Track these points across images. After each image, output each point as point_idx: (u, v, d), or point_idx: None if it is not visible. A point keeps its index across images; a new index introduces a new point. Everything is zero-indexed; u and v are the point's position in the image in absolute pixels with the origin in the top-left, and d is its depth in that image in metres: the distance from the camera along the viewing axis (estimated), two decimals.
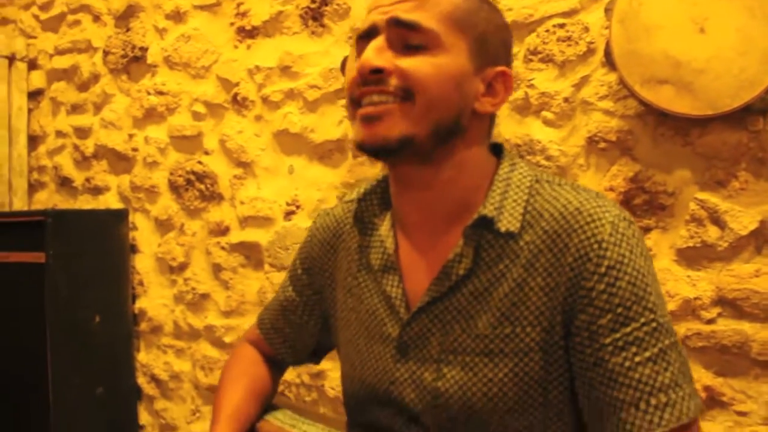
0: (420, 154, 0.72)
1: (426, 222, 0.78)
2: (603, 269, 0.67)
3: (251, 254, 1.99)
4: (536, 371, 0.70)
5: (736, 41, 1.19)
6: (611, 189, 1.42)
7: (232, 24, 2.01)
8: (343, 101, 1.78)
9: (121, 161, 2.28)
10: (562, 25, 1.48)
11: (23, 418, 2.01)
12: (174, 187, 2.15)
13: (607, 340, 0.66)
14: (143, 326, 2.24)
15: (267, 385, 0.95)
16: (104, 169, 2.33)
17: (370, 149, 0.73)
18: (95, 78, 2.34)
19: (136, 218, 2.25)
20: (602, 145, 1.43)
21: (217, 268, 2.05)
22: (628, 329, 0.66)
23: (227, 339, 2.04)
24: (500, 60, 0.76)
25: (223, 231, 2.04)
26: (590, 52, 1.45)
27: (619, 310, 0.66)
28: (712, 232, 1.32)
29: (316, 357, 1.01)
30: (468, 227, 0.73)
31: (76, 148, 2.40)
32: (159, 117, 2.17)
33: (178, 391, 2.17)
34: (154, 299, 2.21)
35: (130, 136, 2.25)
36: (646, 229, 1.39)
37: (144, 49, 2.20)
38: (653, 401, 0.64)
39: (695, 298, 1.34)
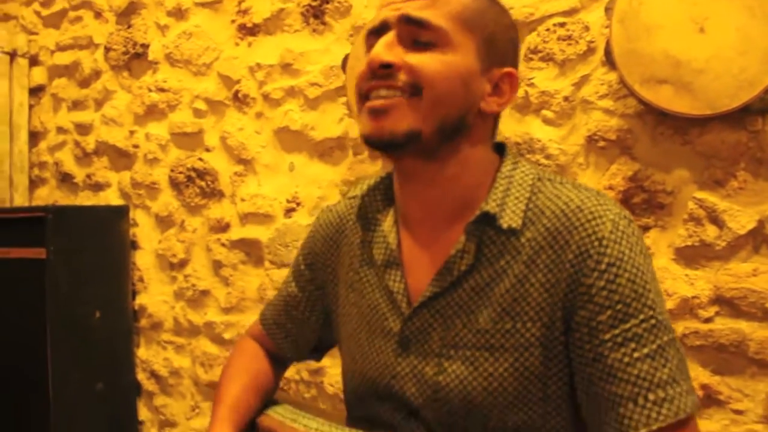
0: (425, 149, 0.73)
1: (429, 218, 0.79)
2: (603, 266, 0.68)
3: (251, 251, 1.99)
4: (536, 366, 0.71)
5: (736, 41, 1.20)
6: (610, 188, 1.42)
7: (233, 21, 2.01)
8: (344, 99, 1.78)
9: (121, 158, 2.29)
10: (562, 24, 1.48)
11: (23, 413, 2.01)
12: (174, 184, 2.15)
13: (606, 336, 0.67)
14: (143, 322, 2.24)
15: (268, 380, 0.95)
16: (105, 165, 2.34)
17: (377, 143, 0.73)
18: (96, 74, 2.34)
19: (137, 215, 2.25)
20: (602, 143, 1.44)
21: (217, 265, 2.06)
22: (628, 326, 0.67)
23: (227, 335, 2.04)
24: (507, 61, 0.77)
25: (224, 228, 2.04)
26: (590, 51, 1.45)
27: (619, 306, 0.67)
28: (710, 232, 1.33)
29: (317, 353, 1.01)
30: (470, 223, 0.74)
31: (77, 144, 2.40)
32: (160, 114, 2.18)
33: (177, 387, 2.18)
34: (155, 295, 2.22)
35: (131, 132, 2.25)
36: (645, 228, 1.39)
37: (145, 46, 2.20)
38: (651, 397, 0.65)
39: (693, 297, 1.35)
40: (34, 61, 2.52)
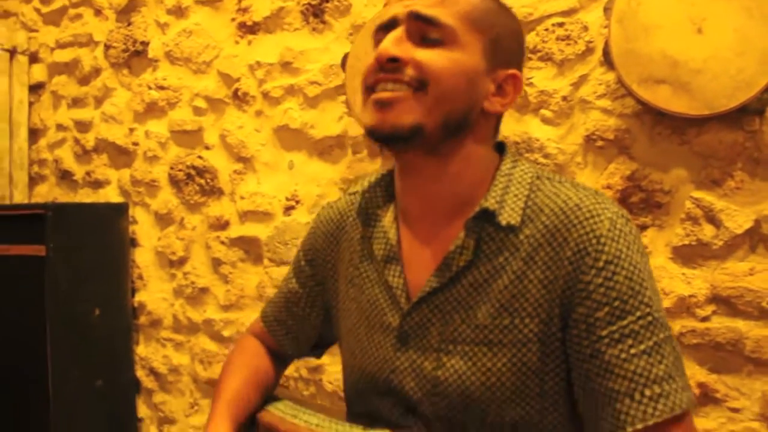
0: (428, 144, 0.74)
1: (429, 214, 0.80)
2: (601, 263, 0.69)
3: (251, 249, 2.00)
4: (533, 362, 0.72)
5: (734, 42, 1.21)
6: (608, 187, 1.43)
7: (233, 19, 2.02)
8: (343, 98, 1.79)
9: (121, 155, 2.29)
10: (561, 24, 1.49)
11: (23, 410, 2.01)
12: (174, 182, 2.15)
13: (603, 333, 0.68)
14: (142, 320, 2.25)
15: (268, 376, 0.95)
16: (105, 162, 2.34)
17: (380, 135, 0.74)
18: (96, 72, 2.34)
19: (136, 212, 2.26)
20: (600, 143, 1.45)
21: (216, 263, 2.07)
22: (625, 322, 0.68)
23: (226, 333, 2.05)
24: (512, 63, 0.78)
25: (223, 225, 2.05)
26: (589, 51, 1.46)
27: (616, 303, 0.68)
28: (707, 231, 1.34)
29: (318, 350, 1.02)
30: (470, 219, 0.74)
31: (76, 141, 2.41)
32: (160, 111, 2.18)
33: (176, 385, 2.18)
34: (154, 293, 2.22)
35: (131, 130, 2.25)
36: (643, 227, 1.40)
37: (145, 44, 2.20)
38: (648, 392, 0.65)
39: (690, 296, 1.35)
40: (34, 59, 2.52)
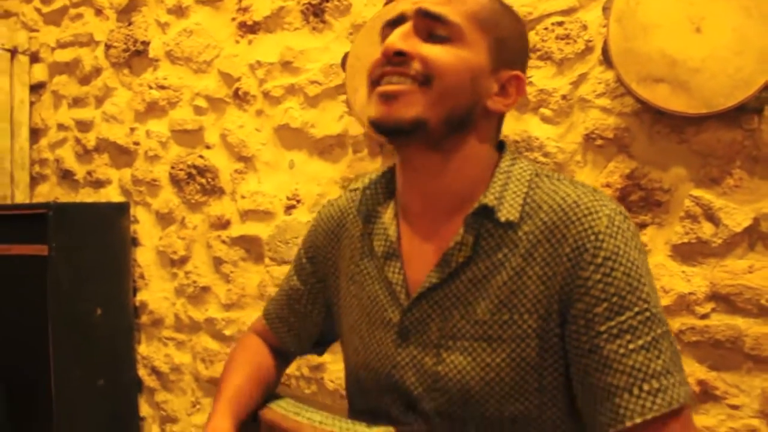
0: (431, 139, 0.75)
1: (429, 210, 0.81)
2: (599, 260, 0.70)
3: (252, 248, 2.00)
4: (532, 357, 0.73)
5: (732, 41, 1.21)
6: (608, 185, 1.44)
7: (233, 19, 2.02)
8: (344, 97, 1.80)
9: (122, 155, 2.29)
10: (560, 23, 1.49)
11: (25, 409, 2.02)
12: (175, 181, 2.16)
13: (602, 328, 0.69)
14: (144, 319, 2.25)
15: (270, 373, 0.96)
16: (106, 162, 2.35)
17: (384, 127, 0.75)
18: (97, 71, 2.35)
19: (138, 211, 2.26)
20: (599, 142, 1.45)
21: (217, 262, 2.07)
22: (623, 318, 0.68)
23: (227, 332, 2.06)
24: (516, 65, 0.79)
25: (224, 225, 2.05)
26: (588, 50, 1.46)
27: (615, 299, 0.69)
28: (706, 229, 1.34)
29: (319, 347, 1.03)
30: (469, 216, 0.75)
31: (77, 141, 2.41)
32: (160, 111, 2.19)
33: (178, 383, 2.19)
34: (155, 292, 2.23)
35: (132, 129, 2.26)
36: (642, 225, 1.41)
37: (146, 44, 2.21)
38: (646, 387, 0.66)
39: (690, 294, 1.36)
40: (34, 58, 2.53)
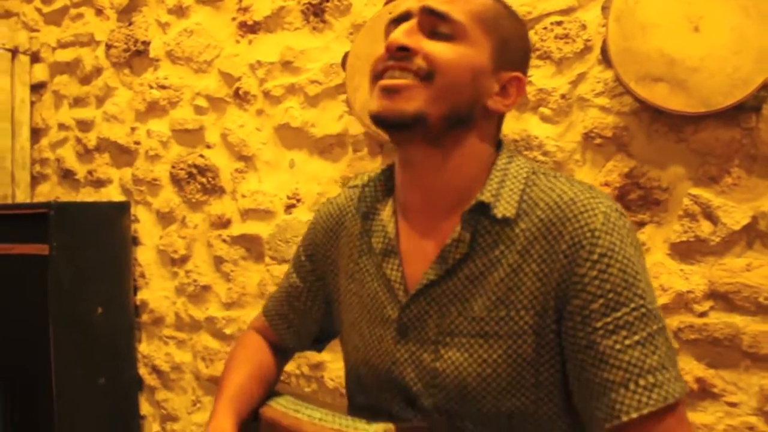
0: (431, 135, 0.75)
1: (427, 208, 0.81)
2: (595, 256, 0.70)
3: (252, 247, 2.01)
4: (529, 353, 0.73)
5: (731, 40, 1.22)
6: (606, 184, 1.44)
7: (234, 19, 2.03)
8: (344, 96, 1.80)
9: (123, 154, 2.30)
10: (559, 23, 1.50)
11: (27, 408, 2.03)
12: (176, 180, 2.17)
13: (598, 324, 0.69)
14: (145, 318, 2.26)
15: (271, 371, 0.97)
16: (106, 161, 2.35)
17: (385, 120, 0.76)
18: (98, 71, 2.36)
19: (138, 211, 2.27)
20: (598, 141, 1.46)
21: (218, 261, 2.08)
22: (619, 314, 0.69)
23: (228, 330, 2.06)
24: (517, 66, 0.80)
25: (225, 224, 2.06)
26: (587, 49, 1.47)
27: (611, 295, 0.69)
28: (705, 227, 1.35)
29: (319, 344, 1.03)
30: (466, 212, 0.76)
31: (78, 140, 2.42)
32: (161, 111, 2.19)
33: (179, 382, 2.19)
34: (156, 291, 2.24)
35: (133, 129, 2.27)
36: (641, 224, 1.41)
37: (146, 43, 2.22)
38: (642, 382, 0.67)
39: (688, 292, 1.36)
40: (35, 58, 2.53)
